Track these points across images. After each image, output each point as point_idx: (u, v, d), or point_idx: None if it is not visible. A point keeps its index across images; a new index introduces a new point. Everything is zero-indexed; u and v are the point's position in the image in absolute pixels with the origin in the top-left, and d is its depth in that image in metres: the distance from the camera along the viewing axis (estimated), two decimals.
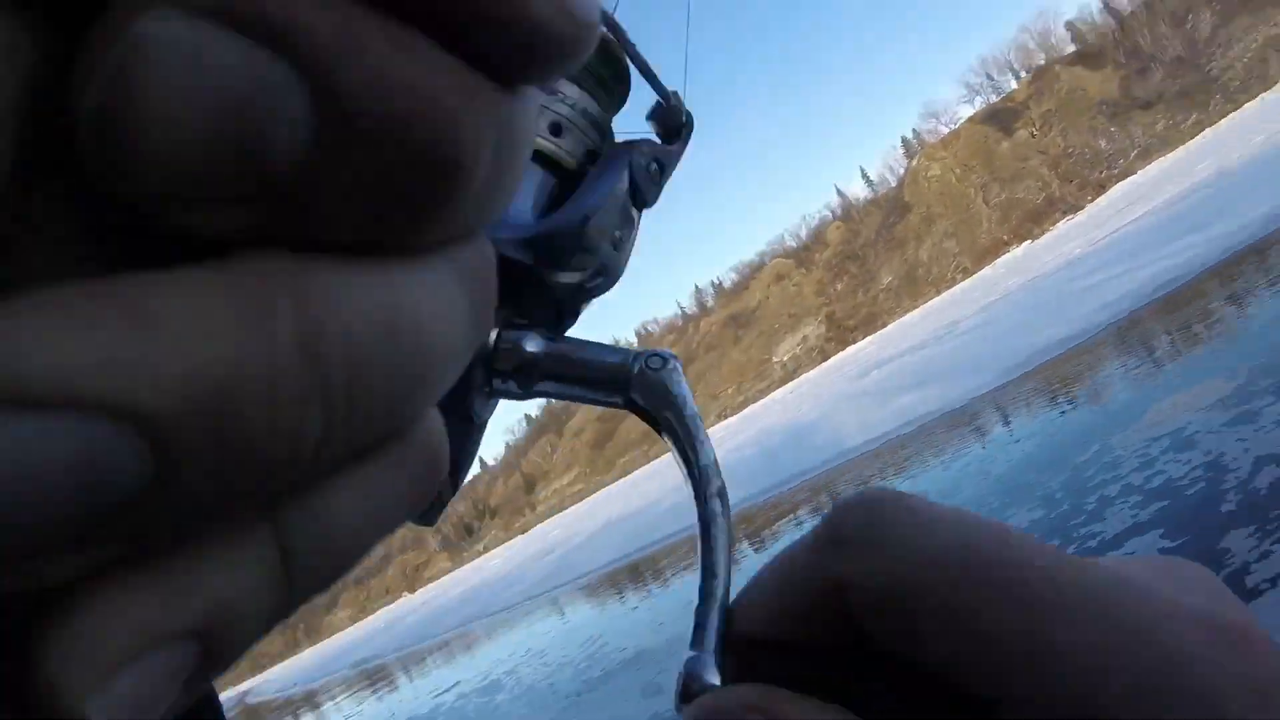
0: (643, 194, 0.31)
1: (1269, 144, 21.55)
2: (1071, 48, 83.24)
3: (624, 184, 0.30)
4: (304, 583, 0.14)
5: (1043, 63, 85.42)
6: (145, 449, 0.10)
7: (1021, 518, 5.58)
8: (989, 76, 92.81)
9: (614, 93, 0.32)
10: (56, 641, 0.11)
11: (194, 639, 0.12)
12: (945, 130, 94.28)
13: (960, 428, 10.00)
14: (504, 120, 0.13)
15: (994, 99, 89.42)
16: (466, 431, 0.29)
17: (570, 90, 0.30)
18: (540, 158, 0.30)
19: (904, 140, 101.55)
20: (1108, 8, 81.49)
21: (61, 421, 0.10)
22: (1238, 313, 7.76)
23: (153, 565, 0.12)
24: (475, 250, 0.14)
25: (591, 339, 0.29)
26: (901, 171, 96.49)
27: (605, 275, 0.30)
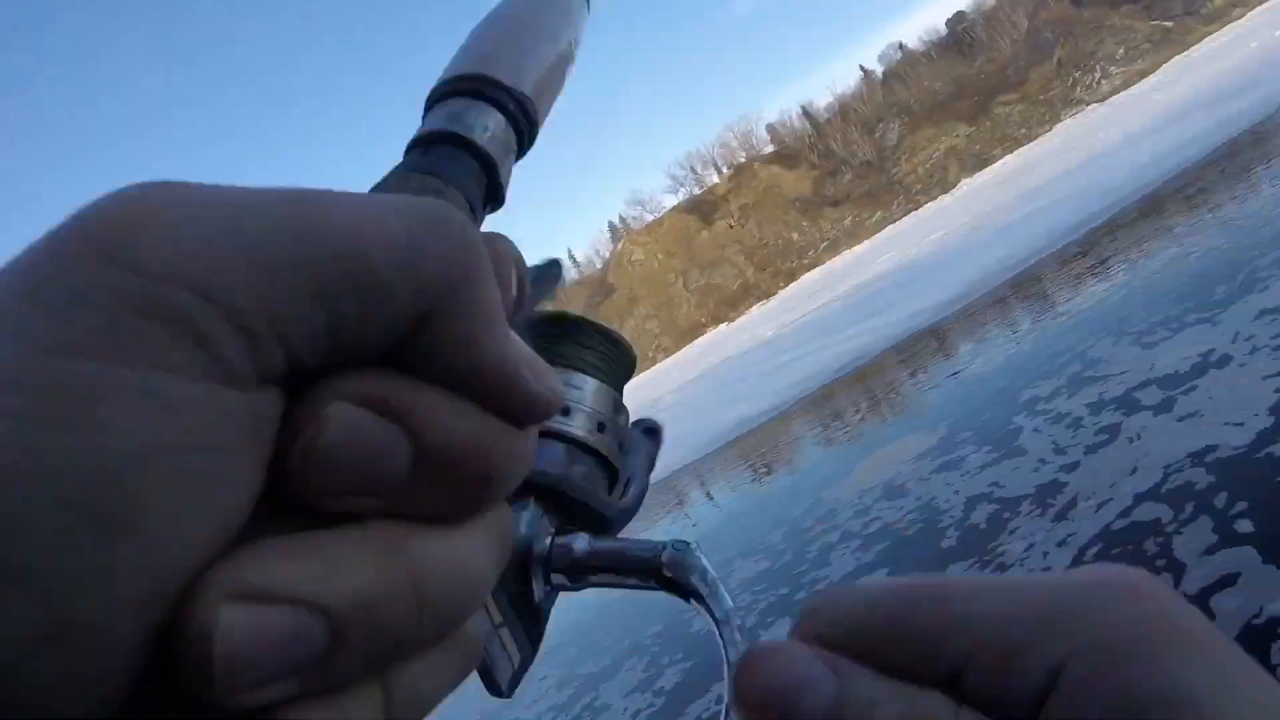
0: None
1: (945, 240, 24.97)
2: (770, 148, 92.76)
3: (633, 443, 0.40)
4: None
5: (743, 160, 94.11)
6: (327, 629, 0.18)
7: (748, 569, 5.66)
8: (693, 170, 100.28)
9: (622, 376, 0.41)
10: None
11: None
12: (650, 217, 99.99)
13: (665, 494, 10.22)
14: (519, 448, 0.23)
15: (697, 191, 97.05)
16: (535, 618, 0.36)
17: (602, 397, 0.39)
18: (592, 450, 0.38)
19: (610, 225, 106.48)
20: (806, 114, 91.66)
21: (290, 610, 0.18)
22: (925, 381, 8.63)
23: (323, 701, 0.19)
24: (500, 516, 0.24)
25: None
26: (607, 255, 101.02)
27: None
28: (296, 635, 0.18)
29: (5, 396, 0.16)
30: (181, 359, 0.17)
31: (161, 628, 0.17)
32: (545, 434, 0.37)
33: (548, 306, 0.39)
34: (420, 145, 0.32)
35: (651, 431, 0.42)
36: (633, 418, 0.41)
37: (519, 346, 0.23)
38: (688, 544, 0.34)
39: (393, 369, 0.21)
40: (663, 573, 0.34)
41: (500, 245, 0.25)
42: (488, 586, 0.23)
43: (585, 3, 0.41)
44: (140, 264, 0.17)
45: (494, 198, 0.33)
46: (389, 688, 0.21)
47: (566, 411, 0.38)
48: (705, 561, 0.34)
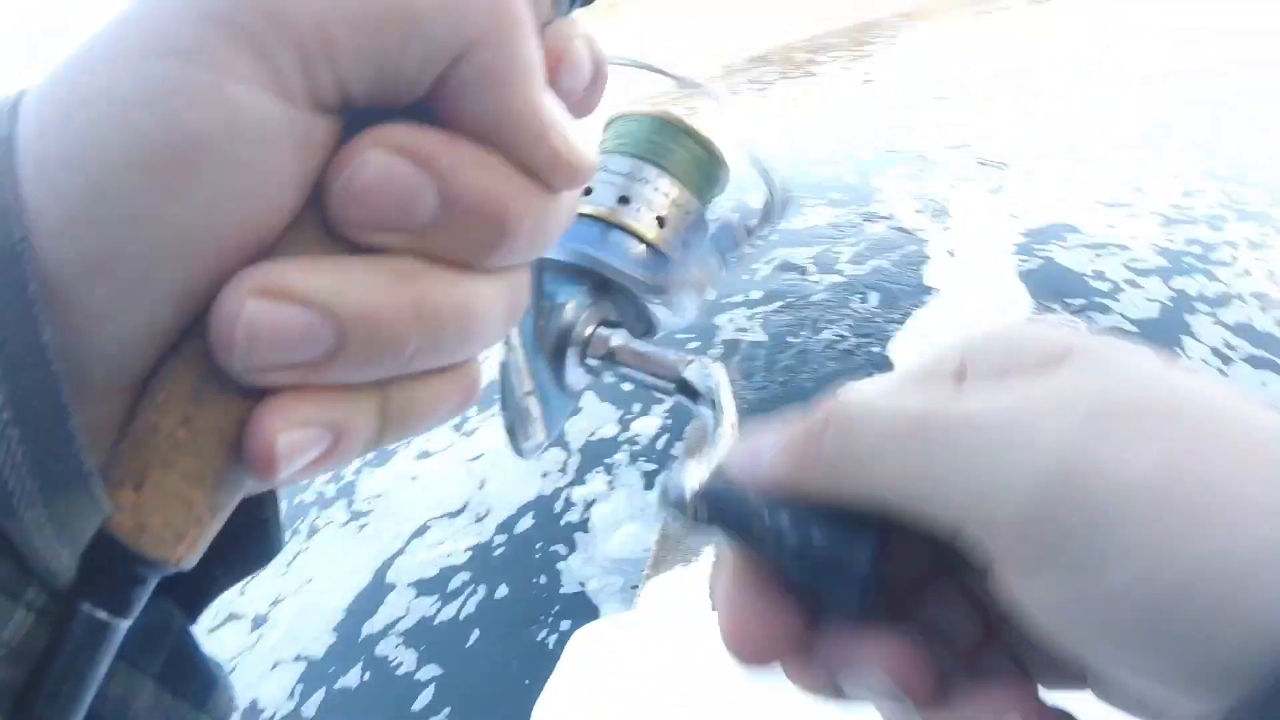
0: (722, 252, 0.41)
1: None
2: None
3: (700, 251, 0.40)
4: (386, 429, 0.25)
5: None
6: (333, 331, 0.21)
7: None
8: None
9: (706, 187, 0.41)
10: (272, 407, 0.22)
11: (330, 430, 0.23)
12: None
13: None
14: (542, 210, 0.24)
15: None
16: (563, 395, 0.39)
17: (673, 189, 0.40)
18: (647, 242, 0.39)
19: None
20: None
21: (304, 310, 0.21)
22: None
23: (321, 393, 0.23)
24: (517, 277, 0.26)
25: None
26: None
27: (677, 313, 0.41)
28: (307, 332, 0.21)
29: (107, 85, 0.20)
30: (250, 71, 0.20)
31: (201, 296, 0.21)
32: (615, 224, 0.39)
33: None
34: None
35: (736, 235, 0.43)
36: None
37: (552, 107, 0.24)
38: (709, 364, 0.37)
39: (429, 120, 0.23)
40: (684, 381, 0.37)
41: (575, 28, 0.26)
42: (492, 331, 0.25)
43: None
44: None
45: None
46: (386, 395, 0.24)
47: (626, 200, 0.39)
48: (721, 379, 0.37)
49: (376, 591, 3.25)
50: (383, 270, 0.23)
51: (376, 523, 3.59)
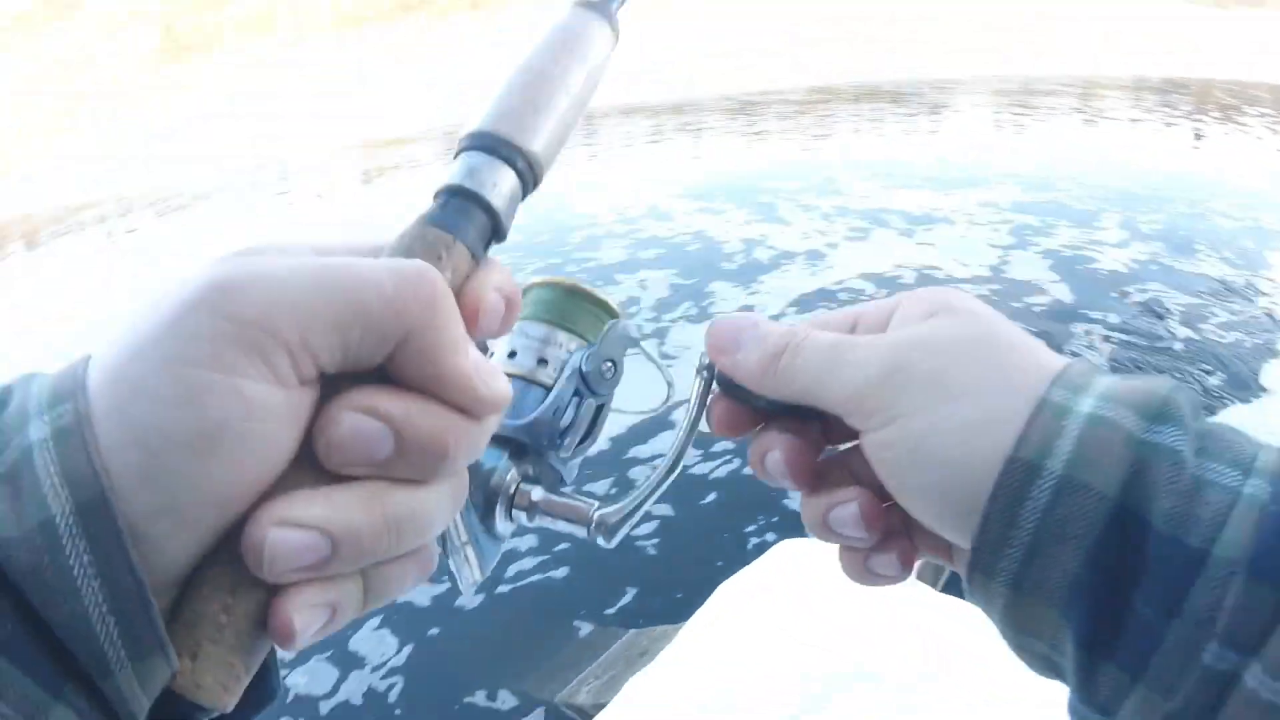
0: (591, 387, 0.49)
1: None
2: None
3: (571, 389, 0.48)
4: (368, 602, 0.34)
5: None
6: (329, 545, 0.31)
7: None
8: None
9: (583, 329, 0.50)
10: (288, 596, 0.31)
11: (329, 608, 0.32)
12: None
13: None
14: (472, 433, 0.34)
15: None
16: (494, 541, 0.47)
17: (550, 336, 0.49)
18: (537, 383, 0.48)
19: None
20: None
21: (308, 533, 0.31)
22: None
23: (321, 583, 0.32)
24: (458, 479, 0.35)
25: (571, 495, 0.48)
26: None
27: (573, 450, 0.49)
28: (311, 547, 0.30)
29: (156, 386, 0.29)
30: (254, 370, 0.30)
31: (230, 524, 0.30)
32: (533, 382, 0.48)
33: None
34: (443, 194, 0.38)
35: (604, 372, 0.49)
36: None
37: (474, 362, 0.33)
38: (610, 514, 0.46)
39: (386, 380, 0.32)
40: (596, 522, 0.46)
41: (491, 274, 0.37)
42: (443, 525, 0.35)
43: (614, 34, 0.44)
44: (233, 314, 0.30)
45: (497, 236, 0.39)
46: (368, 581, 0.33)
47: (544, 362, 0.48)
48: (627, 527, 0.46)
49: None
50: (359, 493, 0.32)
51: None
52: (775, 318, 0.44)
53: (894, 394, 0.39)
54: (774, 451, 0.44)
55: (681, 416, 0.47)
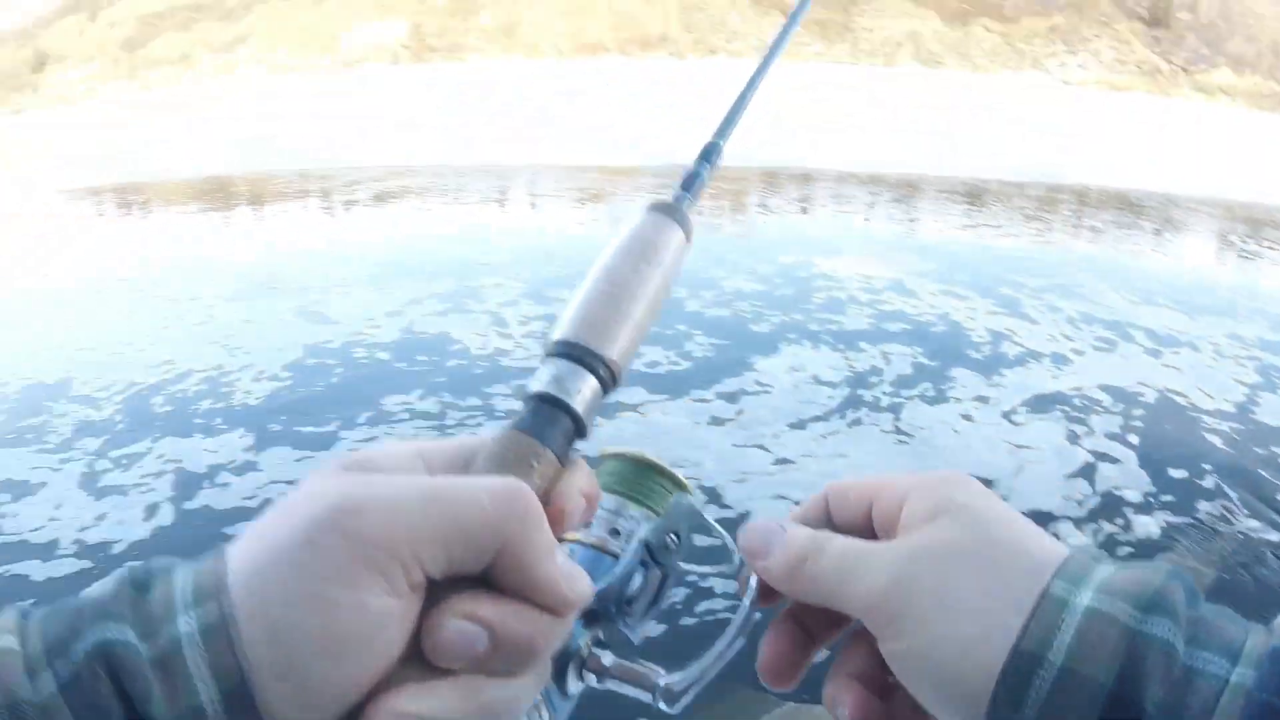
0: (656, 559, 0.50)
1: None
2: None
3: (638, 560, 0.49)
4: None
5: None
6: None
7: None
8: None
9: (652, 502, 0.52)
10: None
11: None
12: None
13: None
14: (557, 629, 0.38)
15: None
16: (565, 700, 0.48)
17: (622, 507, 0.52)
18: (608, 552, 0.50)
19: None
20: None
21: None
22: None
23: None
24: (543, 669, 0.39)
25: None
26: None
27: (639, 617, 0.50)
28: None
29: (292, 595, 0.34)
30: (374, 584, 0.34)
31: (349, 709, 0.35)
32: (605, 552, 0.50)
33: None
34: (532, 401, 0.43)
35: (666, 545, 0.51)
36: None
37: (562, 565, 0.38)
38: (676, 689, 0.47)
39: (483, 585, 0.37)
40: (656, 696, 0.48)
41: (576, 478, 0.42)
42: (529, 704, 0.41)
43: (685, 236, 0.50)
44: (355, 534, 0.34)
45: (580, 435, 0.44)
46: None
47: (616, 533, 0.51)
48: (690, 694, 0.48)
49: None
50: (459, 688, 0.36)
51: None
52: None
53: (901, 606, 0.42)
54: (841, 710, 0.46)
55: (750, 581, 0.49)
